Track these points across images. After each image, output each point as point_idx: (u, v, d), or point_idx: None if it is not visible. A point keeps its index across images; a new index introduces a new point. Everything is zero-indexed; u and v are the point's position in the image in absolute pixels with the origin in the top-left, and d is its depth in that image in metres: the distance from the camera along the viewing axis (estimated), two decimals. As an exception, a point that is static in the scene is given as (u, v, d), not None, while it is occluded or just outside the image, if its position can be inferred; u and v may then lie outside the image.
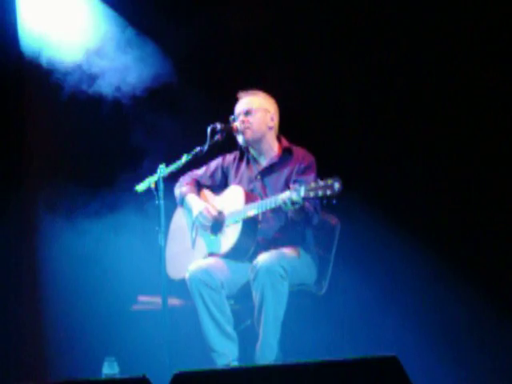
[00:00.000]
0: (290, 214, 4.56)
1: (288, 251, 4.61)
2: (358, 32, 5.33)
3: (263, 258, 4.46)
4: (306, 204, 4.52)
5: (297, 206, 4.34)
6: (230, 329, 4.53)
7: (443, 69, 5.16)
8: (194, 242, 4.90)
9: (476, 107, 5.10)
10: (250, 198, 4.68)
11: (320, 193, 4.20)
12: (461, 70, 5.11)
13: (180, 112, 5.51)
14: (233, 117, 4.85)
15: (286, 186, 4.53)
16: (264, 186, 4.81)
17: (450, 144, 5.16)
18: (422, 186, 5.21)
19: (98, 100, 5.43)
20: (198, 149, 4.64)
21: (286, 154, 4.84)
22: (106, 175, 5.49)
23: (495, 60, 5.05)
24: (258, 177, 4.84)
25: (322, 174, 4.35)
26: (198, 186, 5.02)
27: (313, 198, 4.26)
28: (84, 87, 5.40)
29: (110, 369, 4.25)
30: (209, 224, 4.76)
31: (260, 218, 4.62)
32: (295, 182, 4.60)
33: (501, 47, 5.04)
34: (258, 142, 4.85)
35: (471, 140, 5.11)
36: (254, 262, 4.48)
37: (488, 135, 5.08)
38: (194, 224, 4.89)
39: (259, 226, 4.63)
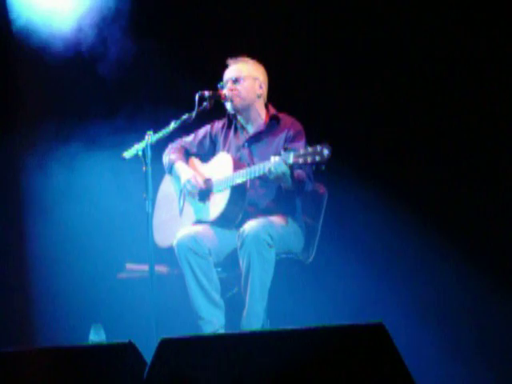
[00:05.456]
0: (282, 185, 4.54)
1: (275, 219, 4.60)
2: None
3: (250, 225, 4.45)
4: (299, 172, 4.51)
5: (280, 172, 4.30)
6: (217, 296, 4.52)
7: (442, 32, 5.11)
8: (181, 210, 4.88)
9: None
10: (238, 165, 4.66)
11: (309, 159, 4.18)
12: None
13: (167, 75, 5.50)
14: (221, 84, 4.82)
15: (274, 154, 4.48)
16: (251, 154, 4.79)
17: (441, 109, 5.12)
18: (410, 153, 5.18)
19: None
20: (186, 116, 4.61)
21: (273, 122, 4.81)
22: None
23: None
24: (246, 145, 4.82)
25: (309, 142, 4.33)
26: (187, 154, 5.00)
27: (302, 165, 4.25)
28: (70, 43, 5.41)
29: (96, 335, 4.26)
30: (196, 191, 4.74)
31: (248, 185, 4.61)
32: (285, 148, 4.58)
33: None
34: (246, 109, 4.82)
35: (463, 107, 5.08)
36: (241, 229, 4.47)
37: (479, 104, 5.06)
38: (181, 192, 4.88)
39: (247, 194, 4.62)
